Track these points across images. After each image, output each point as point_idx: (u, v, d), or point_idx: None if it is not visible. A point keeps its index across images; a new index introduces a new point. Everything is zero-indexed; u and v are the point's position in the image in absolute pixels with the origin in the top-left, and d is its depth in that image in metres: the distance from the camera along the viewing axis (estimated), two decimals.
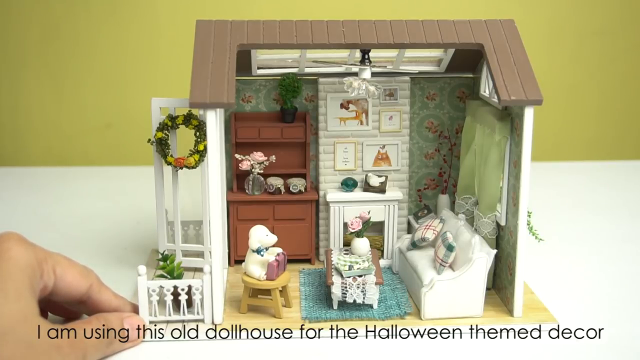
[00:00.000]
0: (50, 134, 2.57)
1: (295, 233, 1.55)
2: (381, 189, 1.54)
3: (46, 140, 2.57)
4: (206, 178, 1.38)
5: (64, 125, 2.56)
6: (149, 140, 1.46)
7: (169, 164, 1.45)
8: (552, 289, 1.46)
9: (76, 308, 1.23)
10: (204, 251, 1.50)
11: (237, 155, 1.52)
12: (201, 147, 1.43)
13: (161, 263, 1.38)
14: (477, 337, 1.26)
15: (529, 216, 1.35)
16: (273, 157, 1.52)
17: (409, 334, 1.26)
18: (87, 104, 2.55)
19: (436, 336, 1.26)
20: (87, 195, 2.12)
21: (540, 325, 1.28)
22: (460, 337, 1.26)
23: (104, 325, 1.15)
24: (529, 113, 1.25)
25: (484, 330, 1.27)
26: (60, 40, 2.49)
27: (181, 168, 1.45)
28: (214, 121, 1.23)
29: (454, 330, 1.27)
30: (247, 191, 1.54)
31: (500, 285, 1.39)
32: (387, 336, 1.26)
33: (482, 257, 1.28)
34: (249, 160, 1.52)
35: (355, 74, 1.48)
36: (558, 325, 1.29)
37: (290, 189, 1.54)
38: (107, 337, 1.15)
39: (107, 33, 2.49)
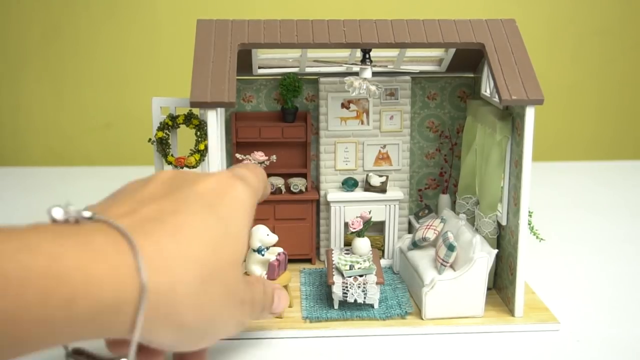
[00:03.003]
0: (50, 134, 2.57)
1: (296, 233, 1.55)
2: (382, 189, 1.54)
3: (46, 140, 2.57)
4: None
5: (64, 125, 2.56)
6: (150, 139, 1.46)
7: (170, 163, 1.45)
8: (553, 288, 1.46)
9: None
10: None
11: (237, 155, 1.52)
12: (202, 147, 1.43)
13: None
14: (477, 337, 1.26)
15: (530, 216, 1.35)
16: (274, 157, 1.52)
17: (409, 334, 1.26)
18: (88, 104, 2.54)
19: (437, 336, 1.26)
20: (87, 195, 2.12)
21: (541, 325, 1.28)
22: (461, 337, 1.26)
23: (264, 290, 1.05)
24: (530, 113, 1.25)
25: (484, 330, 1.27)
26: (61, 40, 2.49)
27: (182, 168, 1.44)
28: (215, 121, 1.23)
29: (454, 330, 1.27)
30: None
31: (501, 285, 1.39)
32: (388, 335, 1.26)
33: (483, 256, 1.28)
34: (250, 160, 1.52)
35: (356, 74, 1.48)
36: (559, 325, 1.29)
37: (291, 188, 1.54)
38: (264, 303, 1.04)
39: (107, 33, 2.49)
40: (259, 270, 1.32)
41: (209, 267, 0.86)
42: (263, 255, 1.31)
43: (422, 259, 1.38)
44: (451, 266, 1.32)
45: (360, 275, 1.34)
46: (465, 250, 1.31)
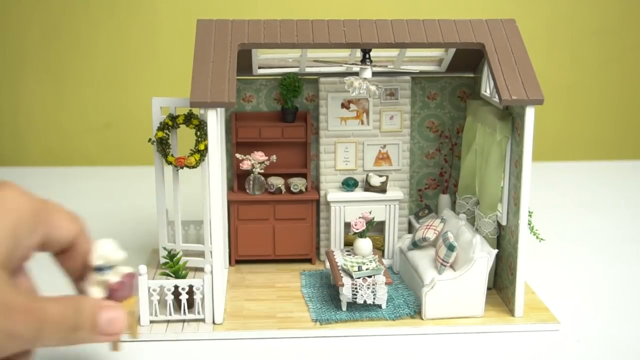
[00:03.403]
0: (50, 134, 2.57)
1: (296, 233, 1.55)
2: (382, 189, 1.54)
3: (46, 140, 2.57)
4: (207, 178, 1.38)
5: (64, 125, 2.56)
6: (150, 139, 1.46)
7: (170, 163, 1.45)
8: (553, 288, 1.46)
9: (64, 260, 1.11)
10: (204, 251, 1.50)
11: (237, 155, 1.52)
12: (202, 147, 1.43)
13: (167, 261, 1.38)
14: (477, 337, 1.26)
15: (530, 216, 1.35)
16: (274, 157, 1.52)
17: (410, 334, 1.26)
18: (88, 104, 2.54)
19: (437, 336, 1.26)
20: (87, 195, 2.12)
21: (541, 325, 1.28)
22: (461, 337, 1.26)
23: (75, 306, 0.97)
24: (530, 113, 1.25)
25: (484, 330, 1.27)
26: (61, 41, 2.49)
27: (182, 168, 1.45)
28: (215, 121, 1.23)
29: (454, 330, 1.27)
30: (247, 191, 1.54)
31: (501, 285, 1.39)
32: (388, 335, 1.26)
33: (483, 256, 1.28)
34: (250, 160, 1.52)
35: (356, 74, 1.48)
36: (559, 325, 1.29)
37: (291, 188, 1.54)
38: (75, 321, 0.95)
39: (107, 33, 2.49)
40: (97, 292, 1.07)
41: None
42: (104, 275, 1.08)
43: (422, 259, 1.38)
44: (451, 266, 1.32)
45: (369, 276, 1.33)
46: (466, 250, 1.31)
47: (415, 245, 1.44)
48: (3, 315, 0.88)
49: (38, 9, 2.46)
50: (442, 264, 1.31)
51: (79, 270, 1.09)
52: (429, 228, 1.43)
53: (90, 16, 2.48)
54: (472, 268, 1.28)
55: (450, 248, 1.30)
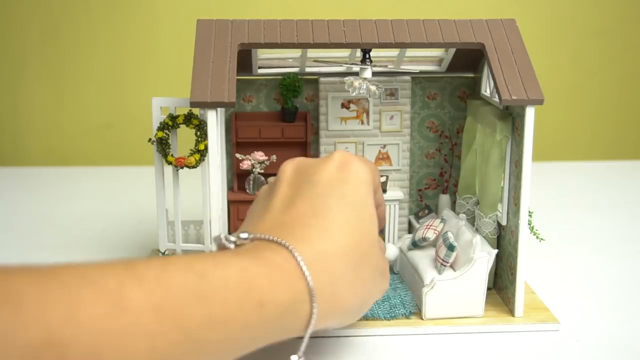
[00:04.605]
0: (50, 134, 2.57)
1: None
2: (382, 189, 1.54)
3: (46, 140, 2.57)
4: (207, 178, 1.38)
5: (64, 125, 2.56)
6: (150, 139, 1.46)
7: (170, 163, 1.45)
8: (554, 288, 1.46)
9: None
10: (204, 251, 1.50)
11: (237, 155, 1.52)
12: (202, 147, 1.43)
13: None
14: (477, 337, 1.26)
15: (530, 216, 1.35)
16: (274, 157, 1.52)
17: (410, 334, 1.26)
18: (88, 104, 2.54)
19: (437, 336, 1.26)
20: (87, 195, 2.12)
21: (541, 325, 1.28)
22: (461, 337, 1.26)
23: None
24: (530, 112, 1.25)
25: (484, 330, 1.27)
26: (61, 40, 2.49)
27: (182, 168, 1.45)
28: (215, 121, 1.23)
29: (454, 330, 1.27)
30: (247, 191, 1.54)
31: (501, 285, 1.39)
32: (388, 335, 1.26)
33: (484, 257, 1.28)
34: (250, 160, 1.52)
35: (356, 74, 1.48)
36: (559, 325, 1.29)
37: None
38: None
39: (107, 33, 2.49)
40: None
41: (357, 254, 0.97)
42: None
43: (422, 259, 1.38)
44: (451, 266, 1.32)
45: None
46: (466, 251, 1.31)
47: (415, 245, 1.44)
48: (383, 280, 1.07)
49: (38, 9, 2.46)
50: (442, 264, 1.31)
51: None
52: (429, 228, 1.43)
53: (90, 16, 2.48)
54: (472, 268, 1.28)
55: (451, 248, 1.30)
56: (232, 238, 0.93)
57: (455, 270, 1.32)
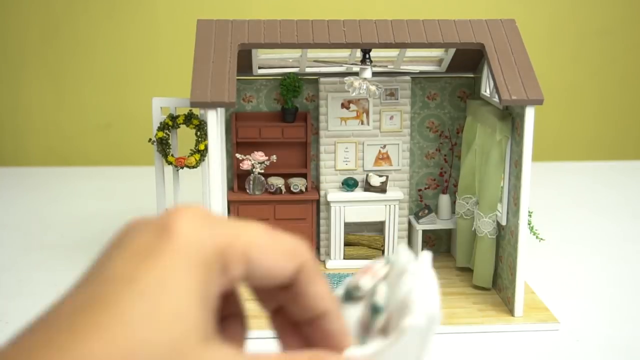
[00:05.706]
0: (50, 134, 2.57)
1: (296, 233, 1.54)
2: (382, 189, 1.54)
3: (46, 140, 2.57)
4: (207, 178, 1.38)
5: (64, 125, 2.56)
6: (150, 139, 1.46)
7: (170, 163, 1.45)
8: (553, 288, 1.46)
9: (269, 298, 0.73)
10: None
11: (237, 155, 1.52)
12: (202, 147, 1.43)
13: None
14: (477, 337, 1.26)
15: (530, 216, 1.35)
16: (274, 157, 1.52)
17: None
18: (87, 104, 2.54)
19: (437, 336, 1.26)
20: (87, 195, 2.12)
21: (541, 325, 1.28)
22: (461, 337, 1.26)
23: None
24: (529, 113, 1.25)
25: (484, 330, 1.27)
26: (60, 40, 2.49)
27: (182, 168, 1.45)
28: (215, 121, 1.23)
29: (454, 330, 1.27)
30: (247, 191, 1.54)
31: (501, 285, 1.39)
32: None
33: (417, 324, 0.68)
34: (250, 160, 1.52)
35: (356, 74, 1.48)
36: (559, 325, 1.29)
37: (291, 188, 1.54)
38: None
39: (107, 33, 2.49)
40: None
41: None
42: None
43: (351, 320, 0.85)
44: (385, 331, 0.89)
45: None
46: (403, 310, 0.91)
47: (348, 296, 0.94)
48: None
49: (38, 9, 2.46)
50: (364, 332, 0.77)
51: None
52: (366, 272, 1.07)
53: (90, 16, 2.48)
54: (400, 342, 0.78)
55: (374, 310, 0.80)
56: None
57: (386, 339, 0.90)
